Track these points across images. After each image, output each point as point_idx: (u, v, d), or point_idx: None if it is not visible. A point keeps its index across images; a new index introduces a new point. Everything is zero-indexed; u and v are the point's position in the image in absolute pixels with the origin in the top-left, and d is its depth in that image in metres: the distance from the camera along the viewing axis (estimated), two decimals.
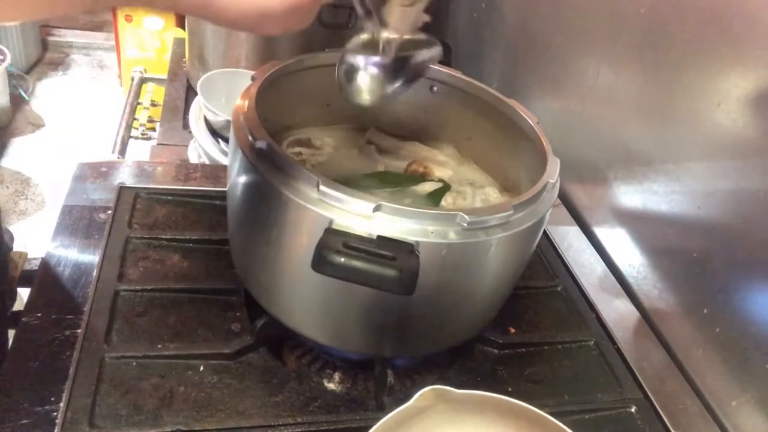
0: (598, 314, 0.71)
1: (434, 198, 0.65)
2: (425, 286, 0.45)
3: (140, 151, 1.22)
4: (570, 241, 0.82)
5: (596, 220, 0.84)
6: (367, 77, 0.50)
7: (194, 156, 1.02)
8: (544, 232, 0.76)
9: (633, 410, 0.60)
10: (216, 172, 0.80)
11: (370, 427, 0.42)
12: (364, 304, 0.51)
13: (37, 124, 2.43)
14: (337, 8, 0.99)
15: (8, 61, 2.24)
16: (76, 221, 0.69)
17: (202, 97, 0.97)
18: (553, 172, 0.54)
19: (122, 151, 1.10)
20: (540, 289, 0.73)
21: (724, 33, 0.61)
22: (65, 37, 2.91)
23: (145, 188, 0.74)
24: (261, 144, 0.48)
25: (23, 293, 0.63)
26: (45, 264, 0.63)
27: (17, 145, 2.30)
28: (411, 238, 0.44)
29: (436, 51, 0.54)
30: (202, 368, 0.55)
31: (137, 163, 0.80)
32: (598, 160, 0.83)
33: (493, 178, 0.71)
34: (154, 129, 1.22)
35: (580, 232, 0.85)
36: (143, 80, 1.41)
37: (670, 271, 0.70)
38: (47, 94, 2.62)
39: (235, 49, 1.09)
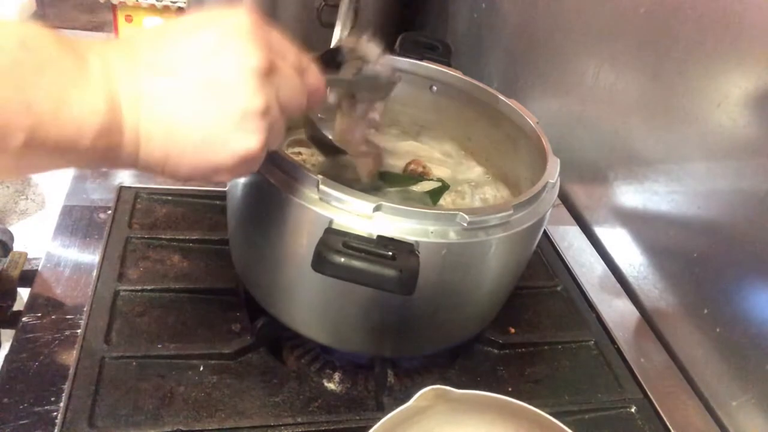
0: (598, 314, 0.71)
1: (433, 197, 0.65)
2: (425, 286, 0.45)
3: None
4: (570, 241, 0.82)
5: (596, 220, 0.84)
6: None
7: None
8: (544, 232, 0.76)
9: (633, 410, 0.60)
10: None
11: (370, 427, 0.42)
12: (364, 304, 0.51)
13: None
14: (336, 8, 0.99)
15: None
16: (76, 221, 0.69)
17: None
18: (553, 172, 0.54)
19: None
20: (540, 289, 0.73)
21: (725, 33, 0.61)
22: None
23: (145, 188, 0.74)
24: None
25: (23, 293, 0.63)
26: (45, 264, 0.63)
27: None
28: (411, 238, 0.44)
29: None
30: (202, 368, 0.55)
31: None
32: (598, 160, 0.83)
33: (492, 178, 0.71)
34: None
35: (580, 232, 0.85)
36: None
37: (671, 271, 0.70)
38: None
39: None
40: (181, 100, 0.34)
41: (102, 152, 0.33)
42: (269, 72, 0.35)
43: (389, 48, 0.58)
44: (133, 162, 0.35)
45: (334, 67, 0.54)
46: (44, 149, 0.30)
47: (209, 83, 0.34)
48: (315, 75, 0.41)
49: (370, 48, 0.55)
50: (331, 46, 0.55)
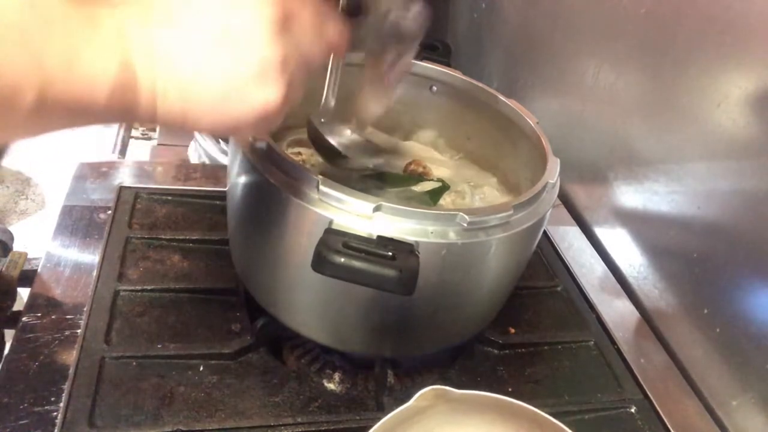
0: (598, 314, 0.71)
1: (433, 197, 0.65)
2: (425, 286, 0.45)
3: (140, 151, 1.22)
4: (570, 241, 0.82)
5: (596, 220, 0.84)
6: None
7: (194, 156, 1.02)
8: (544, 232, 0.76)
9: (633, 410, 0.60)
10: (216, 172, 0.80)
11: (370, 427, 0.42)
12: (364, 304, 0.51)
13: None
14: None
15: None
16: (76, 221, 0.69)
17: None
18: (553, 172, 0.54)
19: (122, 151, 1.10)
20: (540, 289, 0.73)
21: (725, 33, 0.61)
22: None
23: (145, 188, 0.74)
24: (261, 144, 0.48)
25: (23, 293, 0.63)
26: (45, 264, 0.63)
27: (17, 145, 2.30)
28: (411, 238, 0.44)
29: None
30: (202, 368, 0.55)
31: (137, 163, 0.80)
32: (598, 160, 0.83)
33: (493, 178, 0.71)
34: (154, 129, 1.22)
35: (580, 232, 0.85)
36: None
37: (671, 271, 0.70)
38: None
39: None
40: (196, 55, 0.33)
41: (118, 110, 0.32)
42: (286, 21, 0.34)
43: None
44: (152, 118, 0.34)
45: (358, 15, 0.52)
46: (56, 108, 0.30)
47: (224, 35, 0.33)
48: (336, 25, 0.40)
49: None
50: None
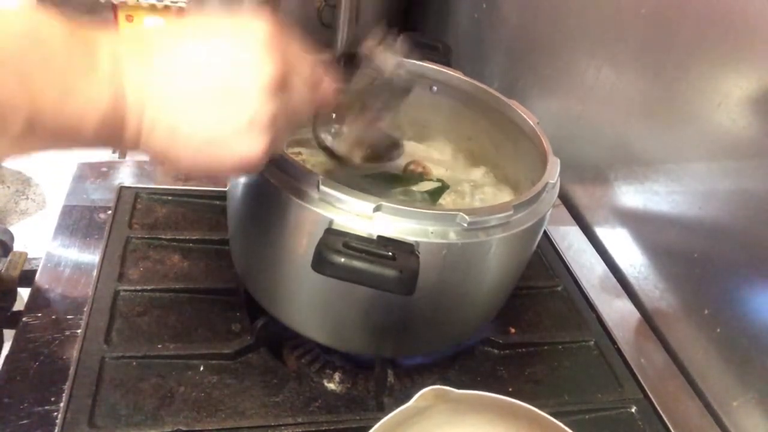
0: (598, 314, 0.71)
1: (433, 197, 0.65)
2: (425, 286, 0.45)
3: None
4: (570, 241, 0.82)
5: (597, 220, 0.84)
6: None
7: None
8: (544, 232, 0.76)
9: (633, 410, 0.60)
10: None
11: (370, 427, 0.42)
12: (365, 304, 0.51)
13: None
14: (337, 9, 0.99)
15: None
16: (77, 221, 0.69)
17: None
18: (553, 173, 0.54)
19: (122, 151, 1.10)
20: (540, 289, 0.73)
21: (725, 33, 0.61)
22: None
23: (145, 188, 0.74)
24: None
25: (23, 293, 0.63)
26: (45, 264, 0.63)
27: None
28: (411, 238, 0.44)
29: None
30: (202, 368, 0.55)
31: (137, 163, 0.80)
32: (598, 160, 0.83)
33: (492, 178, 0.71)
34: None
35: (580, 232, 0.85)
36: None
37: (671, 272, 0.70)
38: None
39: None
40: (188, 104, 0.34)
41: (103, 139, 0.33)
42: (281, 85, 0.36)
43: (409, 52, 0.57)
44: (134, 148, 0.35)
45: (351, 68, 0.54)
46: (44, 135, 0.31)
47: (220, 91, 0.34)
48: (326, 88, 0.42)
49: (387, 57, 0.54)
50: (345, 49, 0.55)
